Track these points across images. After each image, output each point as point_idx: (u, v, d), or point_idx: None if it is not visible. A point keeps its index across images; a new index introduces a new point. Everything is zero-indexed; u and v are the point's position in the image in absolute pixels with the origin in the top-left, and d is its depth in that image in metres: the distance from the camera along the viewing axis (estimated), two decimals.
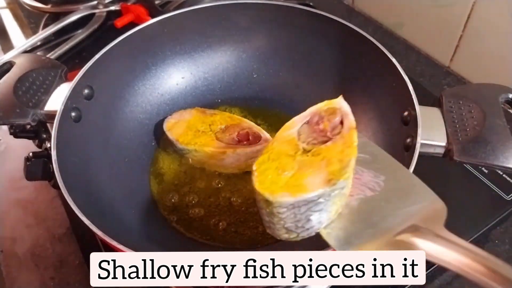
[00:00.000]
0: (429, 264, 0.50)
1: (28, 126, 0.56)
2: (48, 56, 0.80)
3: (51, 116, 0.49)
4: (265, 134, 0.57)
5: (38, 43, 0.85)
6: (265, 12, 0.61)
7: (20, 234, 0.58)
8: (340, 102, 0.41)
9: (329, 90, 0.60)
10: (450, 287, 0.51)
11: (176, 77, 0.64)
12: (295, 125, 0.41)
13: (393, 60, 0.51)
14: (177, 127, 0.58)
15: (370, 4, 0.90)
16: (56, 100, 0.50)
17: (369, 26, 0.87)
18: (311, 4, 0.87)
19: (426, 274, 0.50)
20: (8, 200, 0.62)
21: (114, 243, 0.37)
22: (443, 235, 0.33)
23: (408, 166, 0.41)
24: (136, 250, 0.36)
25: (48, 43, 0.85)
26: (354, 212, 0.37)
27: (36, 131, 0.58)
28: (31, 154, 0.54)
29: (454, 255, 0.31)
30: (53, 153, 0.44)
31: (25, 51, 0.83)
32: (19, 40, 0.89)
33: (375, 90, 0.55)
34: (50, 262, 0.55)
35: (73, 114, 0.50)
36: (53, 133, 0.45)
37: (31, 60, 0.54)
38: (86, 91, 0.52)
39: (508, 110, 0.48)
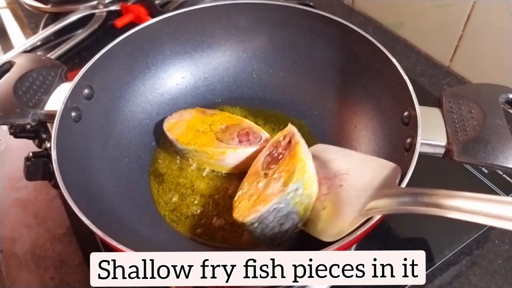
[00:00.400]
0: (429, 264, 0.51)
1: (28, 126, 0.56)
2: (48, 56, 0.80)
3: (51, 116, 0.49)
4: (265, 134, 0.57)
5: (38, 43, 0.85)
6: (265, 12, 0.61)
7: (20, 234, 0.58)
8: (290, 128, 0.50)
9: (328, 89, 0.61)
10: (450, 287, 0.51)
11: (176, 77, 0.64)
12: (259, 160, 0.50)
13: (393, 60, 0.51)
14: (177, 127, 0.58)
15: (370, 4, 0.90)
16: (56, 100, 0.50)
17: (369, 26, 0.87)
18: (311, 4, 0.87)
19: (426, 274, 0.51)
20: (8, 200, 0.62)
21: (114, 243, 0.37)
22: (393, 191, 0.39)
23: (408, 166, 0.41)
24: (136, 250, 0.36)
25: (48, 43, 0.85)
26: (330, 208, 0.43)
27: (36, 131, 0.58)
28: (31, 154, 0.55)
29: (402, 200, 0.36)
30: (53, 153, 0.44)
31: (25, 51, 0.83)
32: (19, 40, 0.89)
33: (375, 90, 0.55)
34: (50, 262, 0.55)
35: (73, 114, 0.50)
36: (53, 133, 0.45)
37: (31, 60, 0.54)
38: (86, 91, 0.52)
39: (508, 110, 0.48)
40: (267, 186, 0.44)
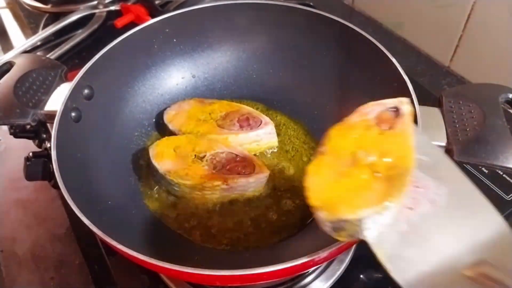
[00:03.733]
0: None
1: (28, 126, 0.56)
2: (48, 56, 0.80)
3: (51, 116, 0.49)
4: (265, 118, 0.57)
5: (38, 43, 0.85)
6: (265, 12, 0.61)
7: (20, 234, 0.58)
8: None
9: (329, 89, 0.60)
10: None
11: (176, 77, 0.64)
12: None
13: (393, 60, 0.51)
14: (177, 118, 0.58)
15: (370, 4, 0.90)
16: (56, 100, 0.50)
17: (369, 26, 0.87)
18: (311, 4, 0.87)
19: None
20: (8, 200, 0.62)
21: (114, 243, 0.37)
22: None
23: None
24: (136, 250, 0.36)
25: (48, 43, 0.85)
26: (413, 229, 0.32)
27: (36, 131, 0.58)
28: (31, 154, 0.55)
29: None
30: (53, 153, 0.44)
31: (25, 51, 0.83)
32: (19, 40, 0.89)
33: (375, 90, 0.55)
34: (50, 262, 0.55)
35: (73, 114, 0.50)
36: (53, 133, 0.45)
37: (31, 60, 0.54)
38: (86, 91, 0.52)
39: (508, 110, 0.48)
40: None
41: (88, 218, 0.38)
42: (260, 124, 0.56)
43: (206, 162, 0.52)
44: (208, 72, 0.65)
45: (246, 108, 0.59)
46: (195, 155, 0.53)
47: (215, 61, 0.65)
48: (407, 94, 0.47)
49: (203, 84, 0.65)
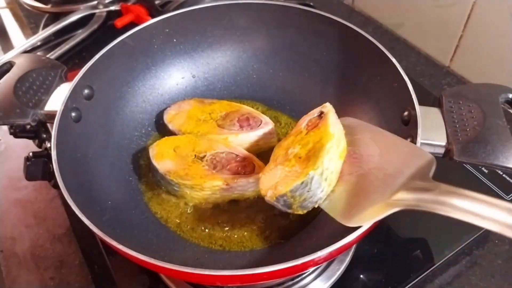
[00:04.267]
0: (429, 264, 0.51)
1: (28, 126, 0.56)
2: (48, 56, 0.80)
3: (51, 116, 0.49)
4: (265, 118, 0.57)
5: (38, 43, 0.85)
6: (265, 12, 0.61)
7: (20, 234, 0.58)
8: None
9: (329, 89, 0.61)
10: (450, 287, 0.51)
11: (176, 77, 0.64)
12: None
13: (393, 60, 0.51)
14: (177, 118, 0.58)
15: (370, 4, 0.90)
16: (56, 100, 0.50)
17: (369, 26, 0.87)
18: (311, 4, 0.87)
19: (426, 274, 0.51)
20: (8, 200, 0.62)
21: (114, 243, 0.37)
22: (427, 185, 0.35)
23: None
24: (136, 251, 0.36)
25: (48, 43, 0.85)
26: (353, 187, 0.41)
27: (36, 131, 0.58)
28: (31, 154, 0.54)
29: (437, 199, 0.33)
30: (53, 153, 0.43)
31: (25, 51, 0.83)
32: (19, 40, 0.89)
33: (375, 90, 0.55)
34: (50, 262, 0.55)
35: (73, 114, 0.50)
36: (53, 133, 0.45)
37: (31, 60, 0.54)
38: (86, 91, 0.52)
39: (508, 110, 0.48)
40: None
41: (88, 218, 0.38)
42: (260, 124, 0.56)
43: (206, 162, 0.52)
44: (208, 72, 0.65)
45: (246, 108, 0.59)
46: (195, 155, 0.53)
47: (215, 61, 0.65)
48: (407, 94, 0.47)
49: (203, 84, 0.65)
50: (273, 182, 0.43)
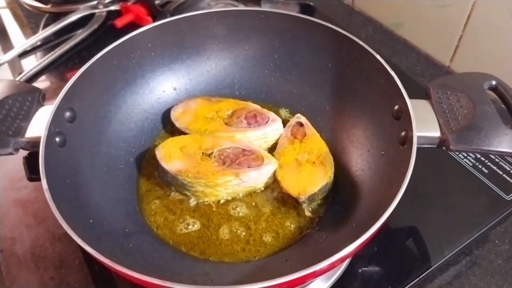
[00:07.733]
0: (429, 264, 0.51)
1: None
2: (48, 56, 0.80)
3: (33, 143, 0.46)
4: (272, 114, 0.57)
5: (38, 43, 0.85)
6: (242, 19, 0.60)
7: (20, 234, 0.58)
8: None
9: (324, 92, 0.60)
10: (450, 287, 0.51)
11: (157, 91, 0.61)
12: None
13: (377, 56, 0.51)
14: (184, 116, 0.58)
15: (370, 4, 0.90)
16: (37, 125, 0.48)
17: (369, 26, 0.87)
18: (311, 4, 0.87)
19: (426, 274, 0.51)
20: (8, 200, 0.62)
21: (124, 269, 0.36)
22: None
23: (408, 161, 0.41)
24: (136, 271, 0.35)
25: (48, 43, 0.85)
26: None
27: None
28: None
29: None
30: (44, 182, 0.41)
31: (25, 51, 0.83)
32: (19, 40, 0.89)
33: (363, 88, 0.55)
34: (50, 262, 0.55)
35: (57, 139, 0.47)
36: (40, 160, 0.43)
37: (5, 87, 0.52)
38: (67, 113, 0.50)
39: (492, 97, 0.49)
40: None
41: (90, 245, 0.37)
42: (267, 121, 0.56)
43: (215, 158, 0.52)
44: (189, 83, 0.63)
45: (253, 106, 0.59)
46: (202, 153, 0.52)
47: (195, 72, 0.63)
48: (395, 88, 0.48)
49: (184, 95, 0.63)
50: (300, 184, 0.51)
